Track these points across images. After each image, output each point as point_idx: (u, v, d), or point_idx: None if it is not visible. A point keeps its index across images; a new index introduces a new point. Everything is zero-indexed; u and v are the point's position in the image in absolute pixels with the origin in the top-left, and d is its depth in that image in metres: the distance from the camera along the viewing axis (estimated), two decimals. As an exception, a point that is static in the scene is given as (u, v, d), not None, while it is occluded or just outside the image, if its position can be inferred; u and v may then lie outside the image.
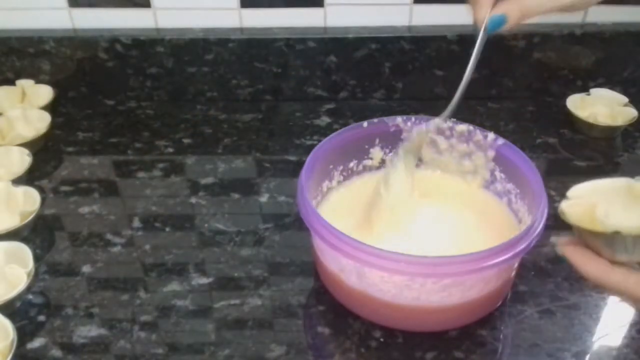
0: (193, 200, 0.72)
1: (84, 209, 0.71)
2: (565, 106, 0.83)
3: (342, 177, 0.66)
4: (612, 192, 0.42)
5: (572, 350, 0.54)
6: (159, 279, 0.62)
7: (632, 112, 0.81)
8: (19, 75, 0.88)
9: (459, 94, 0.57)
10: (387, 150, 0.67)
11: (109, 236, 0.67)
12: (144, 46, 0.86)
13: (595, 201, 0.41)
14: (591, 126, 0.81)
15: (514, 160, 0.61)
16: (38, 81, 0.87)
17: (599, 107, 0.83)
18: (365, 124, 0.64)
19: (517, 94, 0.89)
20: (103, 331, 0.57)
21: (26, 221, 0.64)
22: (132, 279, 0.62)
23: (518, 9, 0.55)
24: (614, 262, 0.41)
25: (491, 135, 0.62)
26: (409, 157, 0.60)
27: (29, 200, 0.67)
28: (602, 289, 0.41)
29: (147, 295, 0.60)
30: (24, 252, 0.60)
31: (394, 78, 0.89)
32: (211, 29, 0.87)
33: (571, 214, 0.42)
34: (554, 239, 0.43)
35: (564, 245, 0.43)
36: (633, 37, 0.85)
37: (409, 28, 0.87)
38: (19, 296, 0.57)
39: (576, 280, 0.61)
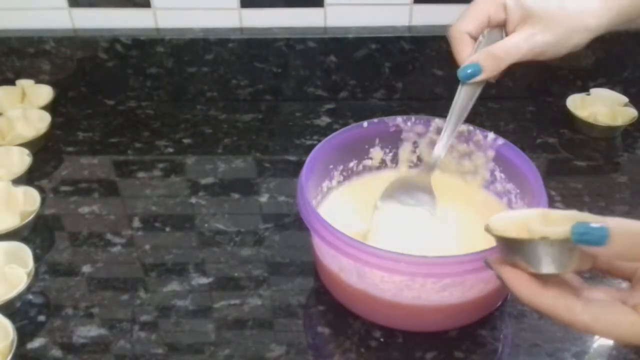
0: (193, 200, 0.72)
1: (84, 209, 0.71)
2: (565, 106, 0.83)
3: (342, 177, 0.66)
4: (530, 219, 0.41)
5: (572, 350, 0.54)
6: (159, 279, 0.62)
7: (632, 112, 0.81)
8: (19, 75, 0.88)
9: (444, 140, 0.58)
10: (387, 150, 0.67)
11: (109, 236, 0.67)
12: (144, 46, 0.86)
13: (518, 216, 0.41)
14: (591, 126, 0.81)
15: (514, 160, 0.60)
16: (38, 81, 0.87)
17: (599, 107, 0.83)
18: (365, 124, 0.64)
19: (517, 94, 0.89)
20: (103, 331, 0.57)
21: (26, 221, 0.64)
22: (132, 279, 0.62)
23: (491, 57, 0.54)
24: (542, 277, 0.39)
25: (491, 135, 0.62)
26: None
27: (29, 200, 0.67)
28: (534, 311, 0.40)
29: (147, 295, 0.60)
30: (24, 252, 0.60)
31: (394, 78, 0.89)
32: (211, 29, 0.87)
33: (497, 227, 0.41)
34: (488, 258, 0.43)
35: (496, 264, 0.42)
36: (633, 37, 0.85)
37: (409, 28, 0.87)
38: (19, 296, 0.57)
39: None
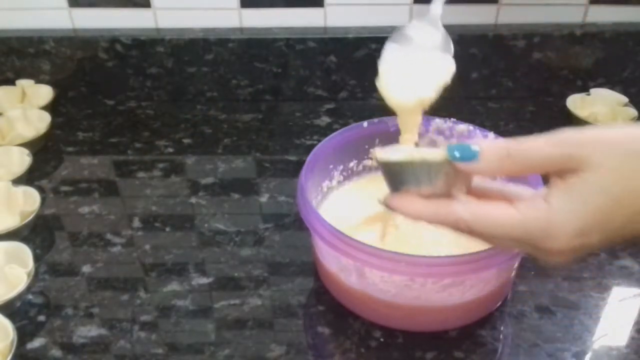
0: (193, 200, 0.72)
1: (84, 209, 0.71)
2: (565, 106, 0.83)
3: (342, 177, 0.66)
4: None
5: (572, 350, 0.54)
6: (159, 279, 0.62)
7: (632, 112, 0.81)
8: (19, 75, 0.88)
9: None
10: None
11: (109, 236, 0.67)
12: (144, 46, 0.86)
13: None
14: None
15: (514, 160, 0.60)
16: (38, 81, 0.87)
17: (599, 107, 0.83)
18: (365, 124, 0.64)
19: (517, 94, 0.89)
20: (103, 331, 0.57)
21: (26, 221, 0.64)
22: (132, 279, 0.62)
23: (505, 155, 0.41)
24: (424, 196, 0.43)
25: (491, 135, 0.62)
26: None
27: (29, 200, 0.67)
28: (424, 222, 0.43)
29: (147, 295, 0.60)
30: (24, 252, 0.60)
31: (394, 78, 0.88)
32: (211, 29, 0.87)
33: (382, 156, 0.44)
34: (384, 198, 0.45)
35: (388, 200, 0.45)
36: (633, 37, 0.85)
37: (409, 28, 0.87)
38: (19, 296, 0.57)
39: (576, 280, 0.61)
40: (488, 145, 0.40)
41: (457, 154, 0.40)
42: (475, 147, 0.40)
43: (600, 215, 0.37)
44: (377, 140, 0.66)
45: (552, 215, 0.37)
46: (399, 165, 0.43)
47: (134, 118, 0.88)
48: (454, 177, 0.42)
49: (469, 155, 0.40)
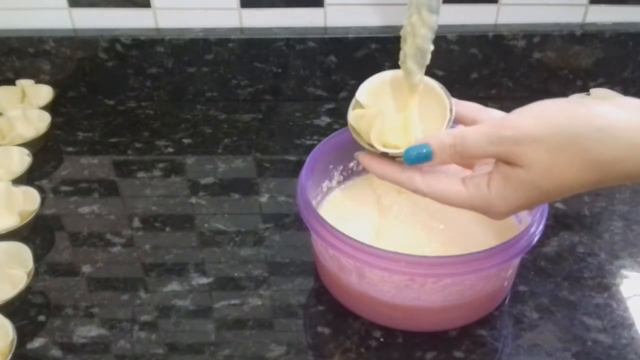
0: (193, 200, 0.72)
1: (84, 209, 0.71)
2: (565, 106, 0.83)
3: (342, 177, 0.66)
4: (392, 79, 0.54)
5: (572, 350, 0.54)
6: (159, 279, 0.62)
7: (632, 112, 0.81)
8: (19, 75, 0.88)
9: None
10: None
11: (109, 236, 0.67)
12: (144, 46, 0.86)
13: (373, 114, 0.49)
14: (591, 126, 0.81)
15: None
16: (38, 81, 0.87)
17: (599, 107, 0.83)
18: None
19: (517, 94, 0.89)
20: (103, 331, 0.57)
21: (26, 221, 0.64)
22: (132, 279, 0.62)
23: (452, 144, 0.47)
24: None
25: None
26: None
27: (29, 200, 0.67)
28: (396, 185, 0.50)
29: (147, 295, 0.60)
30: (24, 252, 0.60)
31: (394, 78, 0.88)
32: (211, 29, 0.87)
33: (356, 130, 0.51)
34: (357, 153, 0.51)
35: (360, 155, 0.51)
36: (633, 37, 0.85)
37: (409, 28, 0.87)
38: (19, 296, 0.57)
39: (576, 280, 0.61)
40: (438, 145, 0.46)
41: (413, 158, 0.47)
42: (428, 150, 0.46)
43: (530, 201, 0.45)
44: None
45: (491, 199, 0.45)
46: (366, 149, 0.50)
47: (134, 118, 0.88)
48: None
49: (424, 158, 0.47)
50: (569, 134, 0.41)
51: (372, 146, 0.49)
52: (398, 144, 0.49)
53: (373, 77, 0.55)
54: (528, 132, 0.42)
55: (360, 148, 0.51)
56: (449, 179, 0.47)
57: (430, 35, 0.50)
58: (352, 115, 0.52)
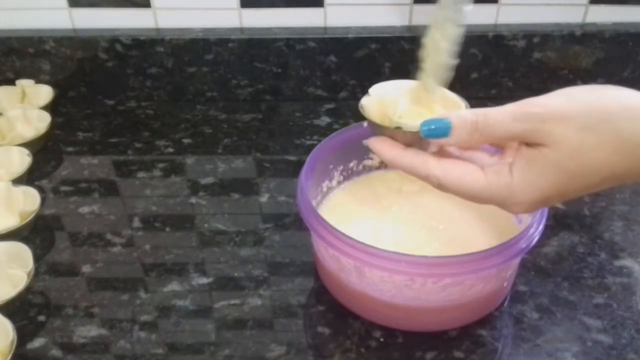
0: (193, 200, 0.72)
1: (84, 209, 0.71)
2: (565, 106, 0.83)
3: (342, 177, 0.66)
4: (408, 89, 0.49)
5: (572, 350, 0.54)
6: (159, 279, 0.62)
7: (632, 112, 0.81)
8: (19, 75, 0.88)
9: None
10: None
11: (109, 236, 0.67)
12: (144, 46, 0.86)
13: (390, 99, 0.47)
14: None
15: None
16: (38, 81, 0.87)
17: (599, 107, 0.83)
18: (365, 124, 0.64)
19: (517, 94, 0.89)
20: (103, 331, 0.57)
21: (26, 221, 0.64)
22: (132, 279, 0.62)
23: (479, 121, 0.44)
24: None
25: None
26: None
27: (29, 200, 0.67)
28: (398, 169, 0.47)
29: (147, 295, 0.60)
30: (24, 252, 0.60)
31: (394, 78, 0.88)
32: (211, 29, 0.87)
33: (368, 110, 0.48)
34: (367, 140, 0.48)
35: (371, 141, 0.48)
36: (633, 37, 0.85)
37: (409, 28, 0.87)
38: (19, 296, 0.57)
39: (576, 280, 0.61)
40: (458, 120, 0.43)
41: (430, 131, 0.43)
42: (447, 122, 0.43)
43: (555, 187, 0.41)
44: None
45: (513, 186, 0.42)
46: (378, 126, 0.47)
47: (134, 118, 0.88)
48: (427, 143, 0.45)
49: (442, 132, 0.43)
50: (600, 112, 0.39)
51: (384, 126, 0.46)
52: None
53: (386, 82, 0.52)
54: (557, 109, 0.40)
55: (369, 136, 0.48)
56: (467, 165, 0.44)
57: (452, 50, 0.48)
58: (366, 98, 0.49)
